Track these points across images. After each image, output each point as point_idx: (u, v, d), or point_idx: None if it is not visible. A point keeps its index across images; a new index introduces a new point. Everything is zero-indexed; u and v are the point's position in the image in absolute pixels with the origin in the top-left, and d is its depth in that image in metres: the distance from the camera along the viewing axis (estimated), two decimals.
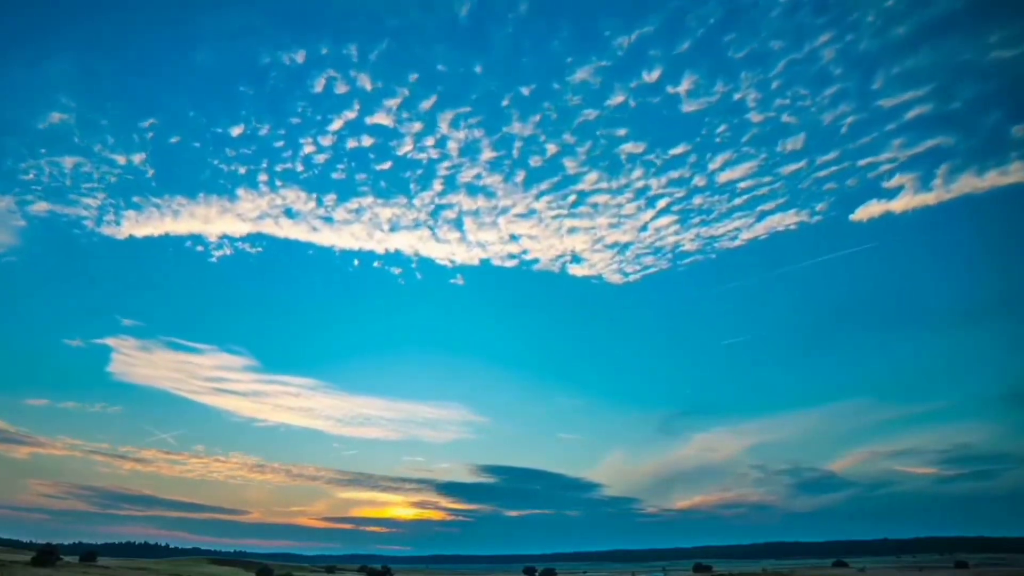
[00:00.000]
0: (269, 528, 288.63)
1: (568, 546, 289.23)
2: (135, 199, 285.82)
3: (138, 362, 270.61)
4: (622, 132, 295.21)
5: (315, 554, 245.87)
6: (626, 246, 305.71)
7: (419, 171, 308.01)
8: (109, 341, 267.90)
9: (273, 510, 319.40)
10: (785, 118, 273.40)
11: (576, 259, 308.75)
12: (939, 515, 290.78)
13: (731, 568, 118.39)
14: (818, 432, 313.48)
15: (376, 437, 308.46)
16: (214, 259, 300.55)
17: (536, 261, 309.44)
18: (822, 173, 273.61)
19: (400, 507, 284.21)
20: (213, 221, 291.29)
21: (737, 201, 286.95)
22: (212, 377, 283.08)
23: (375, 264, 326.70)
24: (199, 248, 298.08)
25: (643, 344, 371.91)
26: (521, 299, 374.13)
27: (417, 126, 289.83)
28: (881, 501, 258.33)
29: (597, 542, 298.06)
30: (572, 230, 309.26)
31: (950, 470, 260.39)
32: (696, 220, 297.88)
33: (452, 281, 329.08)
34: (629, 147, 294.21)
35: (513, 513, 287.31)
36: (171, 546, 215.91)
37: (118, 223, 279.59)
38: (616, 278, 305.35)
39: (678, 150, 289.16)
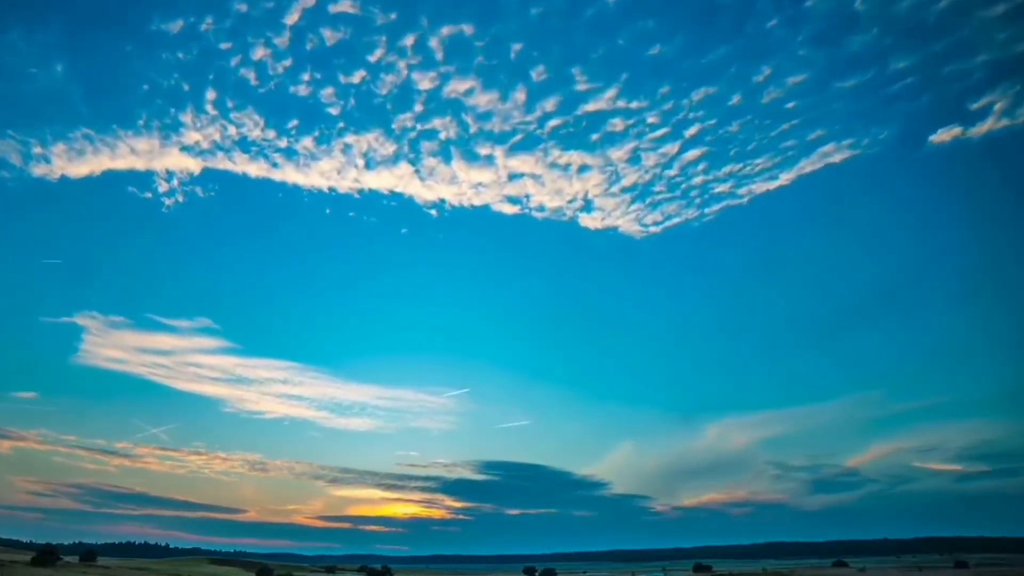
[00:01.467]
0: (267, 527, 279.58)
1: (571, 546, 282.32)
2: (61, 127, 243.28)
3: (108, 344, 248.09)
4: (648, 26, 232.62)
5: (314, 554, 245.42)
6: (647, 188, 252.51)
7: (396, 82, 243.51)
8: (79, 319, 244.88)
9: (269, 508, 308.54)
10: (857, 2, 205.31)
11: (588, 206, 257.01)
12: (961, 514, 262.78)
13: (731, 568, 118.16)
14: (840, 424, 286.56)
15: (367, 429, 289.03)
16: (165, 207, 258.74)
17: (541, 208, 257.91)
18: (893, 87, 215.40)
19: (398, 505, 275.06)
20: (157, 156, 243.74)
21: (784, 126, 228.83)
22: (191, 363, 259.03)
23: (350, 214, 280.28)
24: (147, 195, 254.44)
25: (661, 317, 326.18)
26: (524, 257, 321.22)
27: (392, 16, 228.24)
28: (900, 499, 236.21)
29: (601, 542, 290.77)
30: (583, 168, 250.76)
31: (974, 467, 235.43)
32: (732, 152, 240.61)
33: (442, 235, 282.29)
34: (655, 51, 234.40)
35: (514, 512, 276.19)
36: (171, 546, 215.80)
37: (48, 160, 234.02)
38: (634, 229, 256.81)
39: (716, 55, 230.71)
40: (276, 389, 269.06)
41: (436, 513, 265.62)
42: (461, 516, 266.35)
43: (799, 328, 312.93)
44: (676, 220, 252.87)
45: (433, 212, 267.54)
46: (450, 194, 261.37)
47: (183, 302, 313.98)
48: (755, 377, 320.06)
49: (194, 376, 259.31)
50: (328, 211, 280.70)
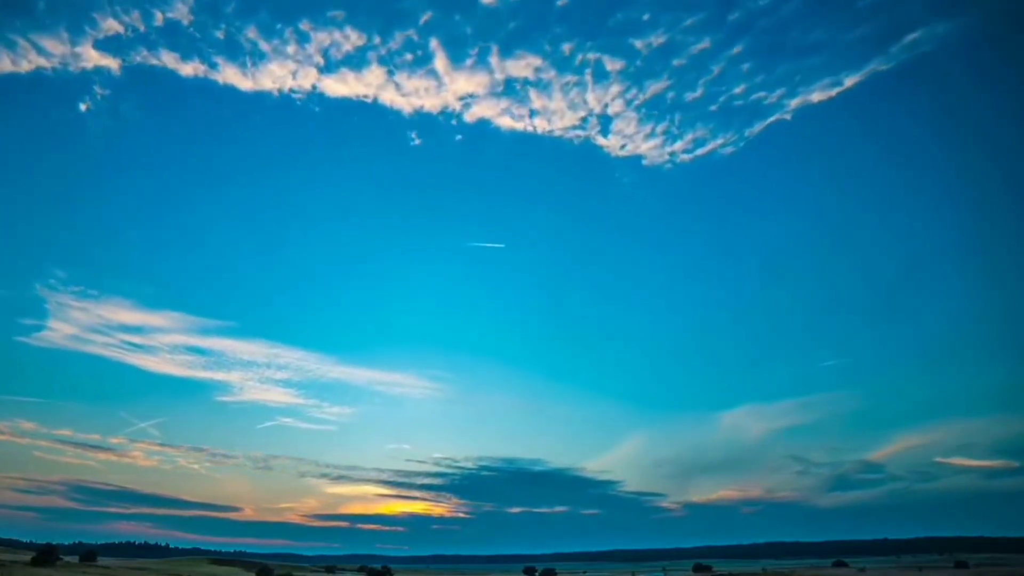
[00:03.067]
0: (264, 527, 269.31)
1: (575, 546, 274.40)
2: None
3: (74, 321, 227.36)
4: None
5: (314, 553, 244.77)
6: (678, 99, 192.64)
7: None
8: (39, 291, 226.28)
9: (263, 506, 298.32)
10: None
11: (604, 125, 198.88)
12: (987, 513, 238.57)
13: (731, 568, 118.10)
14: (866, 414, 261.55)
15: (359, 420, 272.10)
16: (89, 126, 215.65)
17: (549, 127, 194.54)
18: None
19: (396, 503, 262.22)
20: (70, 58, 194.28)
21: (860, 4, 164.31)
22: (167, 345, 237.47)
23: (312, 136, 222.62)
24: (70, 116, 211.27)
25: (679, 281, 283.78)
26: (525, 196, 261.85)
27: None
28: (924, 498, 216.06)
29: (606, 542, 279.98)
30: (600, 73, 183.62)
31: (1001, 462, 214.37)
32: (787, 46, 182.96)
33: (425, 162, 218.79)
34: None
35: (516, 510, 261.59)
36: (171, 546, 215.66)
37: None
38: (658, 157, 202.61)
39: None
40: (262, 374, 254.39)
41: (436, 511, 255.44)
42: (461, 514, 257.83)
43: (837, 298, 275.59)
44: (709, 146, 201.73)
45: (415, 137, 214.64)
46: (434, 106, 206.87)
47: (139, 263, 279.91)
48: (777, 361, 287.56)
49: (173, 361, 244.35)
50: (287, 137, 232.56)
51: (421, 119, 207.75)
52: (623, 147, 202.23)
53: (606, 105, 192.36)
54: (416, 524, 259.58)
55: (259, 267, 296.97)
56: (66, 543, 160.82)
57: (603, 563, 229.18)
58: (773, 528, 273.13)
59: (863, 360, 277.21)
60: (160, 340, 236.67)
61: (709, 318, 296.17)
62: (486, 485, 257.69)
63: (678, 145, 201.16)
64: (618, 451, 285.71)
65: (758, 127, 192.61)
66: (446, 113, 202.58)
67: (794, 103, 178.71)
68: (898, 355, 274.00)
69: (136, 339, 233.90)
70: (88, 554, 77.90)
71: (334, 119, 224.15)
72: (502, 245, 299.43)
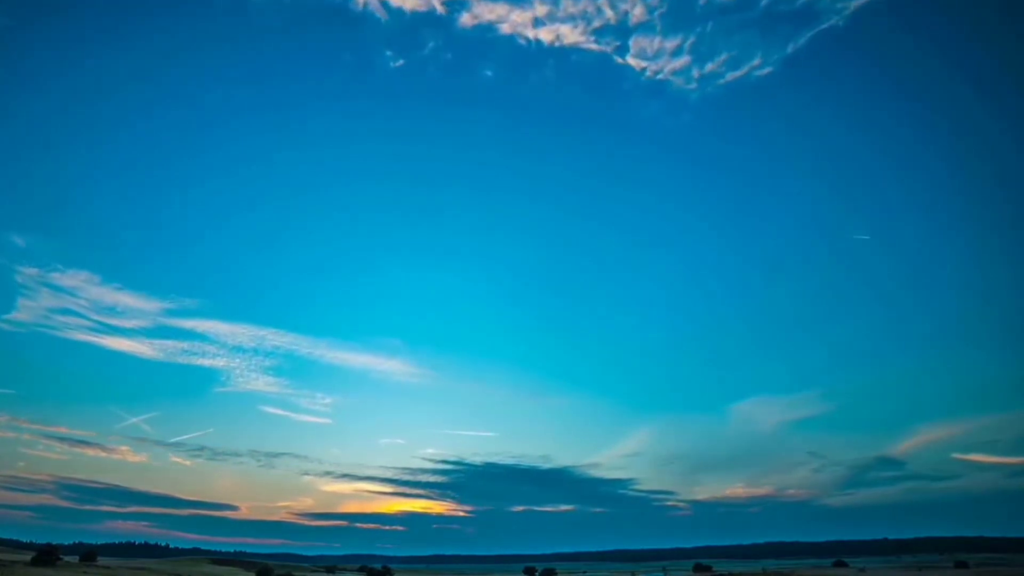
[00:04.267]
0: (262, 526, 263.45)
1: (575, 545, 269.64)
2: None
3: (48, 298, 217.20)
4: None
5: (313, 553, 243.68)
6: (709, 5, 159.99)
7: None
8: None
9: (260, 505, 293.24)
10: None
11: (624, 41, 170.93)
12: (1002, 512, 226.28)
13: (732, 568, 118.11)
14: (884, 405, 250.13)
15: (351, 416, 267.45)
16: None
17: (557, 39, 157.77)
18: None
19: (394, 502, 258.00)
20: None
21: None
22: (143, 328, 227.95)
23: (266, 40, 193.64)
24: None
25: (690, 255, 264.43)
26: (526, 159, 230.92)
27: None
28: (939, 496, 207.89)
29: (603, 542, 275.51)
30: None
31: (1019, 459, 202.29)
32: None
33: (403, 99, 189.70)
34: None
35: (519, 508, 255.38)
36: (171, 546, 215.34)
37: None
38: (684, 83, 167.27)
39: None
40: (250, 360, 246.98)
41: (436, 509, 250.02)
42: (462, 513, 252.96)
43: (850, 288, 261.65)
44: (744, 68, 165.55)
45: (393, 59, 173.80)
46: (416, 6, 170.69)
47: (98, 231, 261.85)
48: (787, 351, 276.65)
49: (152, 345, 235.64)
50: (242, 55, 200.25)
51: (400, 26, 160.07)
52: (643, 65, 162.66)
53: (625, 13, 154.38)
54: (416, 523, 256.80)
55: (228, 236, 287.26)
56: (66, 543, 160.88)
57: (606, 563, 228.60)
58: (781, 528, 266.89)
59: (881, 350, 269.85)
60: (137, 322, 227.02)
61: (718, 306, 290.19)
62: (488, 483, 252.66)
63: (710, 63, 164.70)
64: (624, 447, 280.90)
65: (803, 39, 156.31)
66: (431, 17, 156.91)
67: (854, 5, 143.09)
68: (916, 346, 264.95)
69: (111, 320, 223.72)
70: (88, 554, 77.88)
71: (296, 28, 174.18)
72: (498, 235, 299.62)
